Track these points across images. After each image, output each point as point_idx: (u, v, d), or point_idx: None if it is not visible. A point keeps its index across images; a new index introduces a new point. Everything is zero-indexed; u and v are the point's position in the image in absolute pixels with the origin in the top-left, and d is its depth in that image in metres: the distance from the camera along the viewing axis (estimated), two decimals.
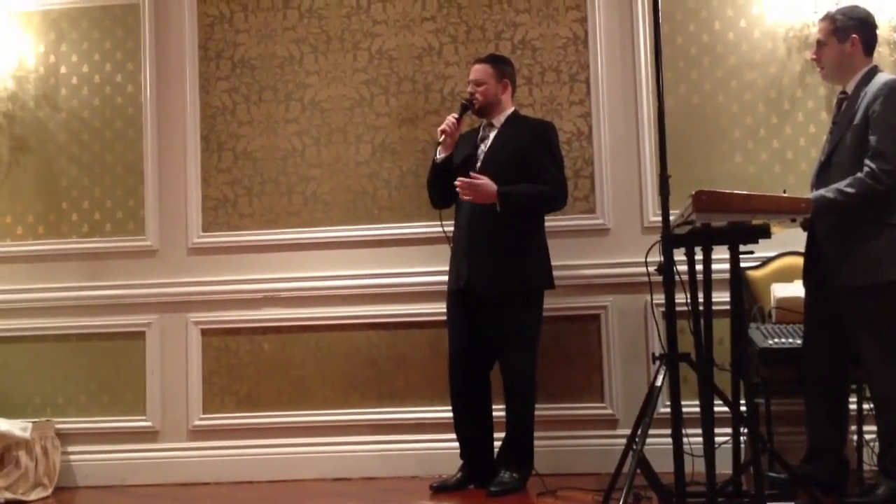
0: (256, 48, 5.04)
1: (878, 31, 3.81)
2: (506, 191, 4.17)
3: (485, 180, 4.16)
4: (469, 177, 4.17)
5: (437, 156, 4.38)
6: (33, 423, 4.68)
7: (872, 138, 3.54)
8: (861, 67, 3.74)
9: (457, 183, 4.18)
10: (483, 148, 4.38)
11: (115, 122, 5.08)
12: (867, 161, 3.52)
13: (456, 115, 4.35)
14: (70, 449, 4.90)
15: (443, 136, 4.33)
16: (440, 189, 4.38)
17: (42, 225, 5.08)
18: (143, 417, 4.94)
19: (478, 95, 4.38)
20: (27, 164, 5.10)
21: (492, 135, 4.40)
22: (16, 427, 4.59)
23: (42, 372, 5.00)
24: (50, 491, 4.70)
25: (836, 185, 3.56)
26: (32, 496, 4.58)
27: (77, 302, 4.98)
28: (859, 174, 3.52)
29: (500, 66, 4.44)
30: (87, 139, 5.09)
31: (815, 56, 3.84)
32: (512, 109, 4.45)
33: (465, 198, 4.18)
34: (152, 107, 5.05)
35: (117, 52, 5.11)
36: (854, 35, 3.71)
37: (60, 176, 5.08)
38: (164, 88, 5.06)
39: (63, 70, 5.13)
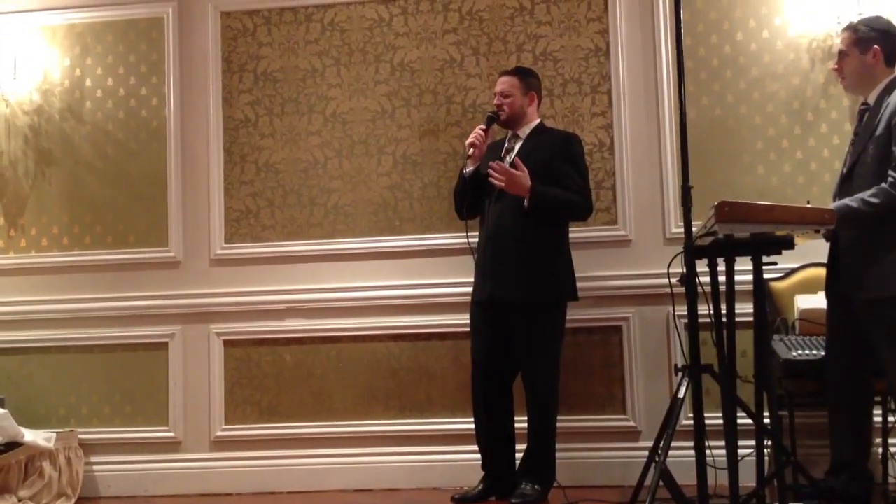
0: (279, 61, 5.07)
1: None
2: (538, 188, 4.17)
3: (523, 171, 4.17)
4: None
5: (465, 169, 4.38)
6: (57, 433, 4.71)
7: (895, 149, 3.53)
8: (882, 78, 3.72)
9: (493, 165, 4.18)
10: (508, 159, 4.38)
11: (140, 135, 5.13)
12: (891, 171, 3.50)
13: (483, 128, 4.35)
14: (93, 459, 4.93)
15: (471, 150, 4.33)
16: (468, 200, 4.37)
17: (67, 236, 5.12)
18: (166, 428, 4.96)
19: (504, 108, 4.39)
20: (52, 176, 5.15)
21: (517, 146, 4.40)
22: (40, 437, 4.61)
23: (66, 383, 5.04)
24: (73, 501, 4.72)
25: (859, 195, 3.54)
26: None
27: (100, 313, 5.01)
28: (883, 184, 3.50)
29: (527, 78, 4.45)
30: (112, 151, 5.13)
31: (836, 66, 3.83)
32: (538, 121, 4.46)
33: (499, 184, 4.17)
34: (176, 119, 5.09)
35: (141, 65, 5.16)
36: (876, 46, 3.70)
37: (85, 188, 5.13)
38: (187, 101, 5.10)
39: (88, 83, 5.18)
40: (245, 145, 5.06)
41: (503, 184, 4.16)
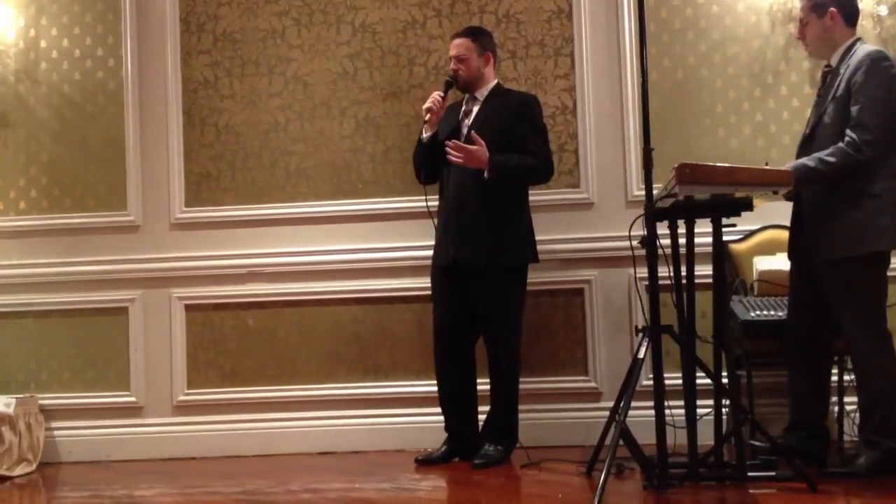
0: (238, 21, 5.00)
1: (860, 4, 3.81)
2: (497, 159, 4.15)
3: (480, 146, 4.15)
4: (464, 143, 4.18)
5: (423, 134, 4.35)
6: (17, 398, 4.67)
7: (854, 109, 3.55)
8: (844, 40, 3.74)
9: (449, 144, 4.16)
10: (467, 122, 4.36)
11: (97, 97, 5.04)
12: (848, 131, 3.53)
13: (441, 93, 4.32)
14: (54, 425, 4.90)
15: (428, 115, 4.30)
16: (426, 166, 4.35)
17: (24, 200, 5.04)
18: (127, 393, 4.93)
19: (461, 72, 4.35)
20: (7, 139, 5.05)
21: (475, 109, 4.38)
22: None
23: (25, 348, 4.98)
24: (34, 466, 4.69)
25: (817, 154, 3.57)
26: (17, 472, 4.57)
27: (60, 278, 4.95)
28: (841, 144, 3.54)
29: (481, 38, 4.40)
30: (69, 114, 5.04)
31: (798, 35, 3.85)
32: (495, 82, 4.43)
33: (457, 161, 4.16)
34: (134, 81, 5.00)
35: (98, 25, 5.06)
36: (832, 9, 3.71)
37: (42, 151, 5.04)
38: (145, 62, 5.01)
39: (43, 44, 5.07)
40: (205, 107, 5.00)
41: (461, 161, 4.15)
